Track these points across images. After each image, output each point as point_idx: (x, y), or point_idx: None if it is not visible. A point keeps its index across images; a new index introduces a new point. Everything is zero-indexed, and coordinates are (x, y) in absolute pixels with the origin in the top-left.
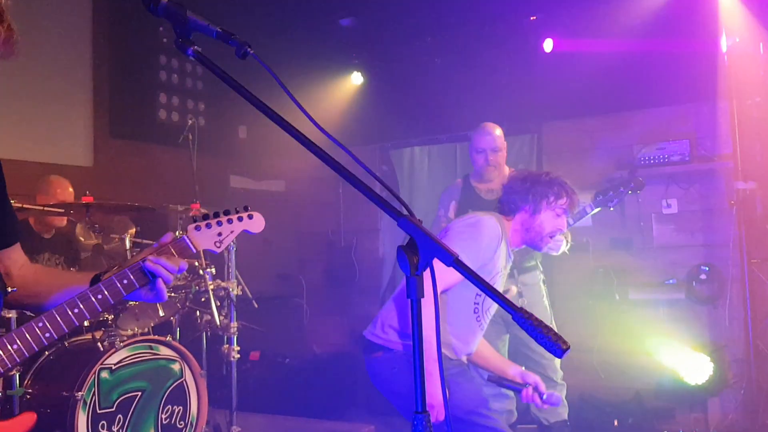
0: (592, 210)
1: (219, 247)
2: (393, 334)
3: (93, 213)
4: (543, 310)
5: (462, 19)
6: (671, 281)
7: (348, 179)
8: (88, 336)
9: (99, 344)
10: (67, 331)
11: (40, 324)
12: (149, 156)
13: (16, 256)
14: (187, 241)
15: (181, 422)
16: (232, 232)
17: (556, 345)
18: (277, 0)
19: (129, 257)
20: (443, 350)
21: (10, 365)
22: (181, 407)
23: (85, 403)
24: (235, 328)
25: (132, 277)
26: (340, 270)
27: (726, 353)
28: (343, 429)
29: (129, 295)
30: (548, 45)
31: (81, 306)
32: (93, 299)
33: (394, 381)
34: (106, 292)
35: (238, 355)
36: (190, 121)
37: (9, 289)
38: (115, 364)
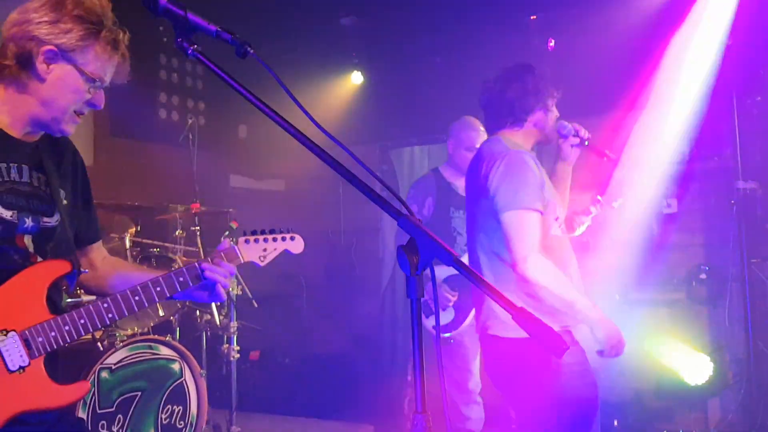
0: (598, 209)
1: (262, 262)
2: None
3: None
4: None
5: (462, 18)
6: (671, 281)
7: (348, 179)
8: (88, 336)
9: (99, 344)
10: (126, 314)
11: (105, 305)
12: (149, 155)
13: (99, 250)
14: (237, 251)
15: (181, 422)
16: (275, 249)
17: (555, 344)
18: None
19: (129, 257)
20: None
21: (76, 336)
22: (180, 407)
23: (84, 403)
24: (235, 328)
25: (187, 275)
26: (340, 270)
27: (726, 353)
28: (343, 429)
29: (184, 292)
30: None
31: (141, 294)
32: (152, 290)
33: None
34: (164, 285)
35: (238, 355)
36: (190, 121)
37: (82, 270)
38: (114, 364)
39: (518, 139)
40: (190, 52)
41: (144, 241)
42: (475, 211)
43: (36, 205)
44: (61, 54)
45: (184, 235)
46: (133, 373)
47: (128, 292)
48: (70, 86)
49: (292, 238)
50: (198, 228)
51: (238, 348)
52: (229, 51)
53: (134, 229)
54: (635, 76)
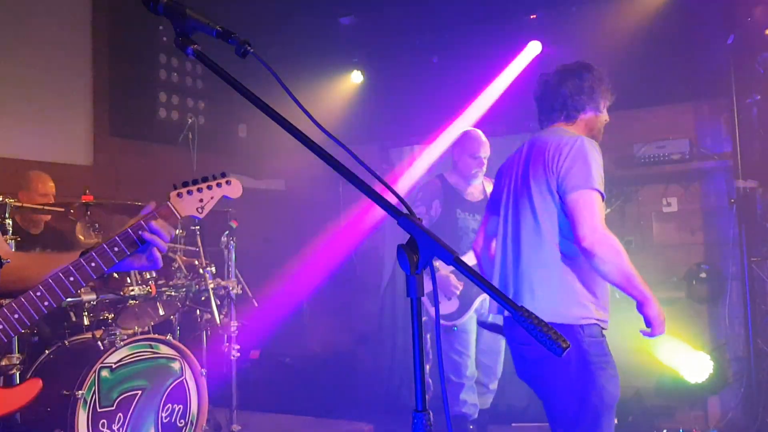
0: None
1: (201, 213)
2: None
3: (93, 212)
4: None
5: (462, 17)
6: (671, 280)
7: (348, 178)
8: (89, 335)
9: (99, 343)
10: (64, 299)
11: (38, 293)
12: (149, 155)
13: (2, 243)
14: (171, 207)
15: (182, 421)
16: (212, 198)
17: (556, 344)
18: None
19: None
20: (583, 312)
21: (12, 334)
22: (181, 406)
23: (85, 401)
24: (235, 327)
25: (122, 244)
26: (339, 269)
27: (726, 352)
28: (343, 429)
29: (121, 262)
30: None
31: (76, 274)
32: (87, 267)
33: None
34: (98, 260)
35: (238, 354)
36: (189, 120)
37: (3, 261)
38: (115, 363)
39: (573, 132)
40: (189, 51)
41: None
42: (530, 194)
43: None
44: None
45: (184, 234)
46: (134, 372)
47: (60, 274)
48: None
49: (228, 183)
50: (198, 227)
51: (238, 347)
52: (228, 50)
53: None
54: (635, 77)
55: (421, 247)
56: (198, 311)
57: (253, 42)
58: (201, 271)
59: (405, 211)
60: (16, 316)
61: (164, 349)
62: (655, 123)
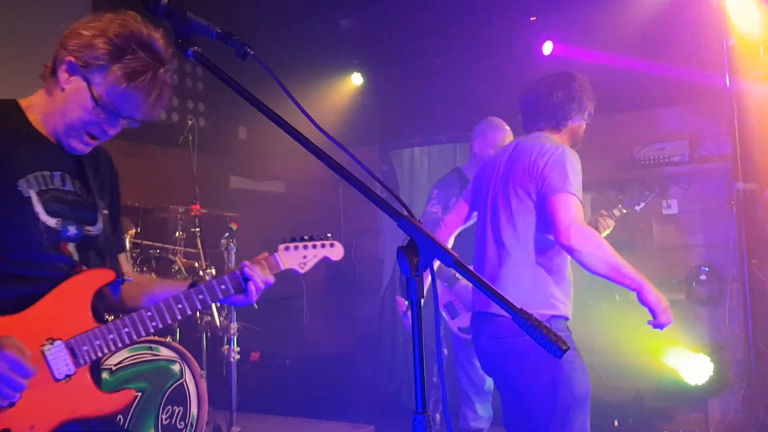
0: (621, 212)
1: (302, 269)
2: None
3: None
4: None
5: (462, 19)
6: (672, 282)
7: (348, 180)
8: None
9: None
10: (169, 322)
11: (149, 314)
12: (149, 156)
13: (126, 261)
14: (278, 258)
15: (181, 423)
16: (315, 256)
17: (555, 346)
18: (277, 0)
19: (129, 258)
20: (552, 311)
21: (120, 345)
22: (181, 408)
23: None
24: (235, 329)
25: (230, 284)
26: (340, 271)
27: (726, 353)
28: (343, 429)
29: (224, 299)
30: (548, 47)
31: (184, 302)
32: (195, 298)
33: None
34: (206, 294)
35: (238, 356)
36: (190, 122)
37: (125, 278)
38: (115, 365)
39: (557, 140)
40: (190, 53)
41: (144, 242)
42: (507, 196)
43: (79, 214)
44: (79, 68)
45: (184, 236)
46: (134, 374)
47: (171, 300)
48: (80, 102)
49: (332, 245)
50: (198, 229)
51: (239, 349)
52: (229, 52)
53: (134, 230)
54: (635, 79)
55: (421, 249)
56: (198, 314)
57: (253, 44)
58: (201, 272)
59: (405, 212)
60: (126, 330)
61: (164, 351)
62: (655, 125)
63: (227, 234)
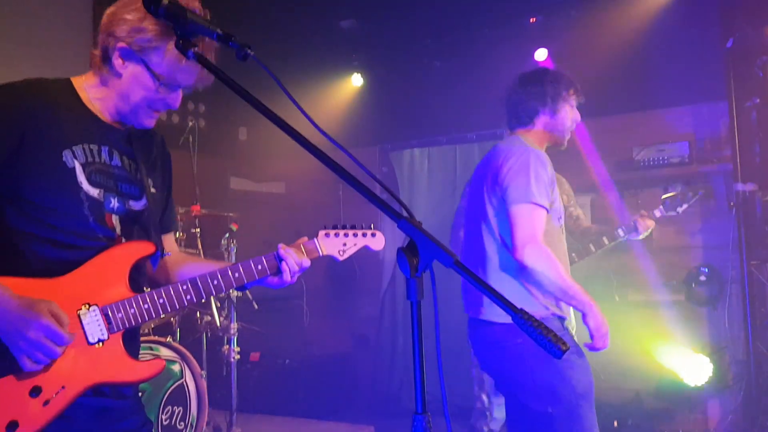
0: (663, 214)
1: (342, 256)
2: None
3: None
4: None
5: (462, 21)
6: (671, 283)
7: (348, 181)
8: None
9: None
10: (204, 297)
11: (184, 287)
12: None
13: (173, 241)
14: (316, 243)
15: (181, 423)
16: (355, 245)
17: (555, 346)
18: (277, 1)
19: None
20: (542, 311)
21: (154, 316)
22: (181, 408)
23: None
24: (235, 329)
25: (266, 264)
26: (340, 271)
27: (725, 354)
28: (343, 429)
29: (259, 279)
30: (541, 54)
31: (219, 279)
32: (230, 275)
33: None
34: (242, 271)
35: (238, 356)
36: (190, 123)
37: (165, 252)
38: None
39: (532, 140)
40: (190, 54)
41: None
42: (483, 200)
43: (125, 188)
44: (134, 52)
45: (185, 237)
46: None
47: (207, 275)
48: (142, 84)
49: (373, 235)
50: (198, 230)
51: (239, 349)
52: (229, 53)
53: None
54: (635, 80)
55: (420, 250)
56: (198, 313)
57: (253, 45)
58: None
59: (405, 213)
60: (161, 301)
61: (164, 351)
62: (654, 126)
63: (227, 235)
